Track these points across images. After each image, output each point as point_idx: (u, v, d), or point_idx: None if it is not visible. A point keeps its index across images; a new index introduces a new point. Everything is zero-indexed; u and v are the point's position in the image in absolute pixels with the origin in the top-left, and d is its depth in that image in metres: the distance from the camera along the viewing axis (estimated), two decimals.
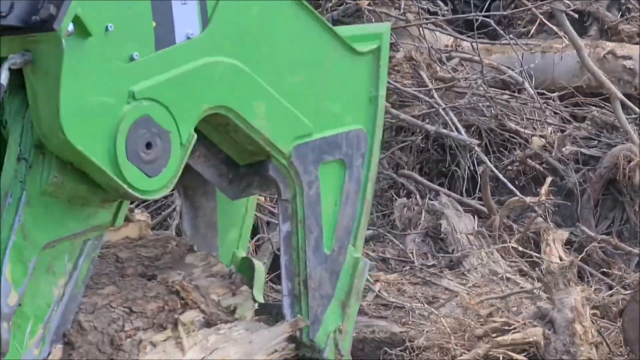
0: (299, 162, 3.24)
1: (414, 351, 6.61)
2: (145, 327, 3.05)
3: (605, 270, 6.72)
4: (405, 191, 8.18)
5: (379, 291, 7.31)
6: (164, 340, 3.05)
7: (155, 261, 3.35)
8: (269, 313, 3.36)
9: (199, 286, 3.22)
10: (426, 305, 7.06)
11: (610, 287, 6.45)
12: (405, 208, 8.03)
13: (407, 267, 7.63)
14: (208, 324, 3.17)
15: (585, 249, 6.63)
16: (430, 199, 7.90)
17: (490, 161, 7.58)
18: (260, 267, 3.49)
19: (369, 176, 3.40)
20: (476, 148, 7.49)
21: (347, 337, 3.35)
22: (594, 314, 5.61)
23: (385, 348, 6.61)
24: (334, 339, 3.32)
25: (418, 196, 7.90)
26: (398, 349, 6.52)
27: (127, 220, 3.38)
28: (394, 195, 8.22)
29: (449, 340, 6.14)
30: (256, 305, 3.31)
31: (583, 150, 7.62)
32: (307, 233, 3.27)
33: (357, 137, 3.37)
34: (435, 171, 8.49)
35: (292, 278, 3.27)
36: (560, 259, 6.53)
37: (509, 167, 7.90)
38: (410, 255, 7.74)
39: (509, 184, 7.43)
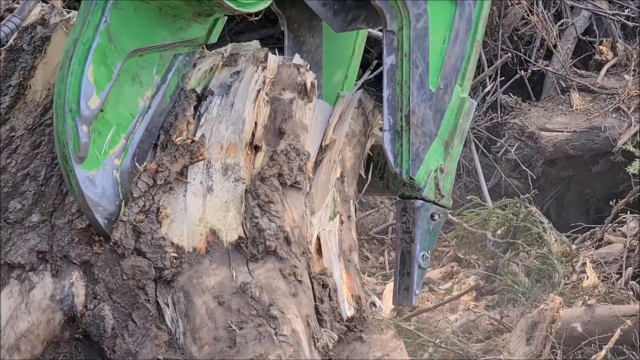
0: None
1: None
2: None
3: None
4: None
5: None
6: None
7: None
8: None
9: None
10: None
11: None
12: None
13: None
14: None
15: None
16: None
17: None
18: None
19: (481, 15, 3.25)
20: None
21: (449, 177, 3.22)
22: None
23: None
24: (435, 178, 3.21)
25: None
26: None
27: None
28: None
29: None
30: None
31: None
32: (411, 67, 3.14)
33: None
34: None
35: (394, 113, 3.14)
36: None
37: None
38: None
39: None
